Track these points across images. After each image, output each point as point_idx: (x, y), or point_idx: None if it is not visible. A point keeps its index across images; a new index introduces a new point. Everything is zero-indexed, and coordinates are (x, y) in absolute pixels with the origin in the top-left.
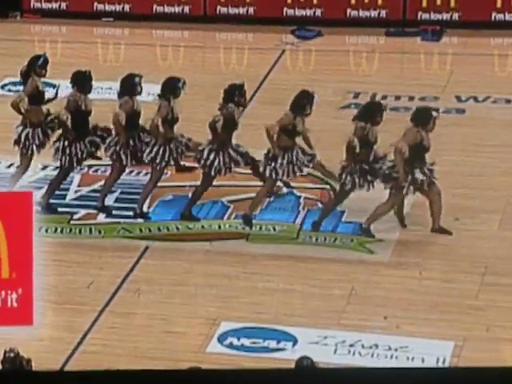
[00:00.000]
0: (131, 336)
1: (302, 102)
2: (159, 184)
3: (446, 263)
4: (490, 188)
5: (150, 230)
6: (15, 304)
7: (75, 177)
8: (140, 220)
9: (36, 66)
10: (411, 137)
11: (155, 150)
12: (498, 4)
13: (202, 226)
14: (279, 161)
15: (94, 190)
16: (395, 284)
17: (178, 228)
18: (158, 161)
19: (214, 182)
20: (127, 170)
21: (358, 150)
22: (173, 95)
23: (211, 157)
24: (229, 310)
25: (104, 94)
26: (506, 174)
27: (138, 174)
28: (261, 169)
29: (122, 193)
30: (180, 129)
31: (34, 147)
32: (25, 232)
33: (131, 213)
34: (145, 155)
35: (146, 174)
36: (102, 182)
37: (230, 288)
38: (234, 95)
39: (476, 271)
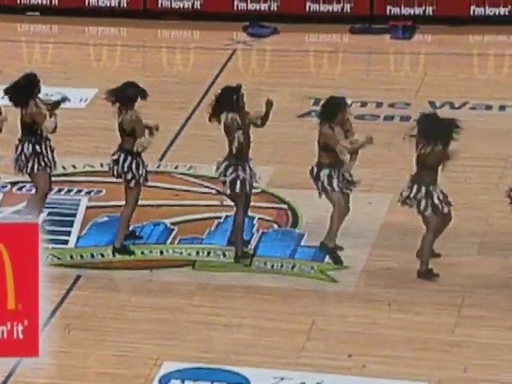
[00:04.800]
0: (60, 379)
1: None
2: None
3: (419, 294)
4: (468, 207)
5: (82, 257)
6: (21, 336)
7: None
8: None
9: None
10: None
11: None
12: None
13: (142, 252)
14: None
15: (19, 212)
16: (361, 318)
17: (114, 254)
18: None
19: (156, 201)
20: None
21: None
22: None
23: (234, 174)
24: (172, 348)
25: None
26: (486, 192)
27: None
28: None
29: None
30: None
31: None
32: (31, 263)
33: (65, 237)
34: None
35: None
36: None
37: (173, 323)
38: (233, 101)
39: (452, 303)
